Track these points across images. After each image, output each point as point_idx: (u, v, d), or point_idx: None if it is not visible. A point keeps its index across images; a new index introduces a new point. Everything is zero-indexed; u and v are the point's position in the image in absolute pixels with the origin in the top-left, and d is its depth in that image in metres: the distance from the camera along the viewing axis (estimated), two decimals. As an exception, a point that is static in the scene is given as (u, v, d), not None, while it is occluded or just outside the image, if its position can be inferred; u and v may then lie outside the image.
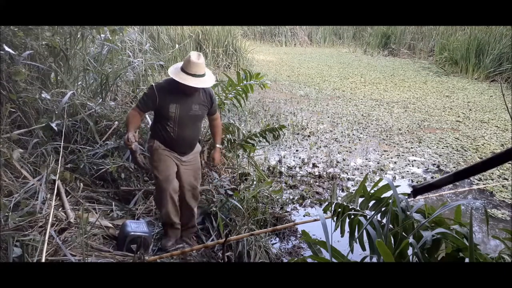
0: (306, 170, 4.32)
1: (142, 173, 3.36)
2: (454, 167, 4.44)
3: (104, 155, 3.27)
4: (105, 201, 3.06)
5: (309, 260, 1.52)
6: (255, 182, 3.56)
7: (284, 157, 4.64)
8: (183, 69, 2.47)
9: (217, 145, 2.92)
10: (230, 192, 3.20)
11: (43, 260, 1.92)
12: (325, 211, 1.81)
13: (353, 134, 5.48)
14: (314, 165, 4.47)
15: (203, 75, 2.50)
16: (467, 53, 9.12)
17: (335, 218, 1.74)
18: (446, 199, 3.69)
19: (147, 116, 3.55)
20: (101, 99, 3.86)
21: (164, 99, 2.53)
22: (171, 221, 2.69)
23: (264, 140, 3.71)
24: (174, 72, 2.49)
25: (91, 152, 3.27)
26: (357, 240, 1.54)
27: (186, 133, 2.63)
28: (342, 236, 1.68)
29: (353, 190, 3.02)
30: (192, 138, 2.69)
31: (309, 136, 5.37)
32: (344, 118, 6.16)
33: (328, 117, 6.22)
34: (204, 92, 2.67)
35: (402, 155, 4.79)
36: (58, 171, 2.75)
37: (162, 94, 2.54)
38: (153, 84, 2.61)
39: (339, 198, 1.81)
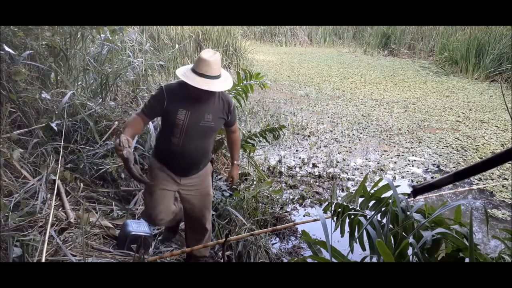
0: (306, 170, 4.32)
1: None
2: (454, 167, 4.44)
3: (104, 155, 3.27)
4: (105, 201, 3.06)
5: (309, 260, 1.52)
6: (255, 182, 3.56)
7: (284, 157, 4.64)
8: (193, 69, 2.08)
9: (235, 162, 2.55)
10: (230, 192, 3.20)
11: (43, 260, 1.92)
12: (325, 211, 1.81)
13: (353, 134, 5.48)
14: (314, 165, 4.47)
15: (216, 77, 2.08)
16: (467, 53, 9.11)
17: (335, 218, 1.74)
18: (446, 199, 3.69)
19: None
20: (101, 99, 3.86)
21: (173, 103, 2.14)
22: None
23: (264, 140, 3.71)
24: (182, 71, 2.12)
25: (91, 152, 3.26)
26: (357, 240, 1.54)
27: (193, 147, 2.21)
28: (342, 236, 1.68)
29: (353, 190, 3.02)
30: (199, 154, 2.26)
31: (309, 136, 5.37)
32: (344, 118, 6.16)
33: (328, 117, 6.22)
34: (221, 100, 2.25)
35: (402, 155, 4.79)
36: (58, 171, 2.75)
37: (171, 97, 2.15)
38: (163, 85, 2.22)
39: (339, 198, 1.81)
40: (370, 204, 1.68)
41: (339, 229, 1.68)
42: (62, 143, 2.93)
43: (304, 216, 3.43)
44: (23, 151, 2.90)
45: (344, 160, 4.64)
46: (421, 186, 1.38)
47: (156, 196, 2.28)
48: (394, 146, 5.07)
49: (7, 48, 3.05)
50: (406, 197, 1.53)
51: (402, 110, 6.62)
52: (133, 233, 2.52)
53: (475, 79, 8.86)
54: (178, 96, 2.15)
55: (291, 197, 3.72)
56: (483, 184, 4.03)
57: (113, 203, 3.05)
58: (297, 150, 4.88)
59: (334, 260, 1.42)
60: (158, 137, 2.37)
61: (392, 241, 1.47)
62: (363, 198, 1.71)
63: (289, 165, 4.42)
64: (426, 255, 1.39)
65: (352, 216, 1.63)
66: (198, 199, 2.37)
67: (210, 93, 2.12)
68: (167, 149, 2.23)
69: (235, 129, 2.50)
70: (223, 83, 2.13)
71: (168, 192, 2.30)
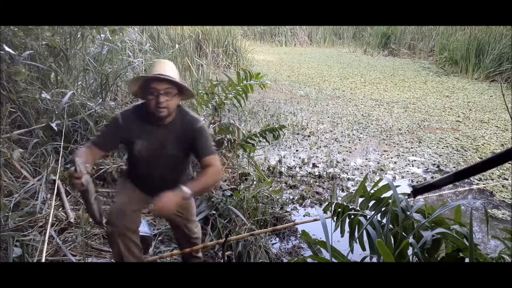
0: (306, 170, 4.32)
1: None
2: (454, 167, 4.44)
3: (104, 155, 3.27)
4: (105, 201, 3.06)
5: (309, 260, 1.52)
6: (255, 182, 3.56)
7: (284, 157, 4.64)
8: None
9: (184, 188, 1.77)
10: (230, 192, 3.20)
11: (43, 260, 1.92)
12: (325, 211, 1.81)
13: (353, 134, 5.48)
14: (314, 165, 4.47)
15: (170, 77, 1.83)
16: (467, 53, 9.11)
17: (335, 218, 1.74)
18: (446, 199, 3.69)
19: None
20: (101, 99, 3.86)
21: (129, 133, 1.88)
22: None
23: (264, 140, 3.71)
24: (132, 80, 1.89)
25: (91, 152, 3.26)
26: (357, 240, 1.54)
27: (162, 178, 1.96)
28: (342, 236, 1.68)
29: (353, 190, 3.02)
30: (171, 182, 1.90)
31: (309, 136, 5.37)
32: (344, 118, 6.16)
33: (328, 117, 6.22)
34: (186, 124, 1.90)
35: (402, 155, 4.79)
36: (58, 171, 2.75)
37: (127, 126, 1.88)
38: (118, 113, 1.94)
39: (339, 198, 1.81)
40: (370, 204, 1.68)
41: (339, 229, 1.68)
42: (62, 143, 2.93)
43: (304, 216, 3.43)
44: (23, 151, 2.91)
45: (344, 160, 4.64)
46: (421, 186, 1.38)
47: (126, 198, 2.01)
48: (394, 146, 5.07)
49: (7, 48, 3.05)
50: (406, 197, 1.53)
51: (402, 110, 6.62)
52: (133, 233, 2.52)
53: (475, 79, 8.86)
54: (133, 124, 1.89)
55: (291, 197, 3.72)
56: (483, 184, 4.03)
57: (113, 203, 3.05)
58: (297, 150, 4.88)
59: (334, 260, 1.42)
60: (126, 162, 2.15)
61: (392, 241, 1.48)
62: (363, 198, 1.71)
63: (289, 165, 4.42)
64: (426, 255, 1.39)
65: (352, 216, 1.63)
66: (185, 212, 2.15)
67: (163, 99, 1.78)
68: (135, 177, 2.04)
69: (211, 162, 1.89)
70: (181, 83, 1.87)
71: (139, 204, 2.07)
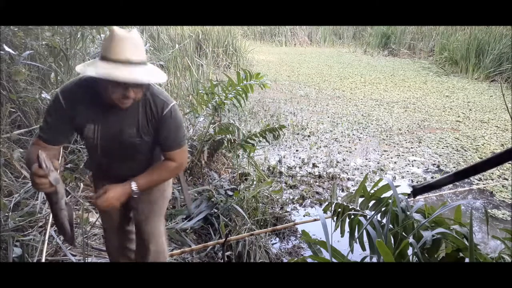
0: (306, 170, 4.32)
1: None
2: (454, 167, 4.44)
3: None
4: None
5: (309, 260, 1.52)
6: (255, 182, 3.56)
7: (284, 157, 4.64)
8: (102, 56, 1.36)
9: (132, 182, 1.55)
10: (230, 192, 3.20)
11: (43, 260, 1.92)
12: (325, 211, 1.82)
13: (353, 134, 5.48)
14: (314, 165, 4.47)
15: (140, 63, 1.37)
16: (467, 53, 9.11)
17: (335, 218, 1.74)
18: (446, 199, 3.69)
19: None
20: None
21: (76, 115, 1.47)
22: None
23: (264, 140, 3.71)
24: (86, 65, 1.39)
25: (91, 152, 3.26)
26: (357, 240, 1.54)
27: (122, 168, 1.64)
28: (342, 236, 1.69)
29: (353, 190, 3.02)
30: (135, 172, 1.60)
31: (309, 136, 5.37)
32: (344, 118, 6.16)
33: (328, 117, 6.22)
34: (150, 106, 1.51)
35: (402, 155, 4.79)
36: (58, 171, 2.75)
37: (72, 106, 1.46)
38: (58, 90, 1.49)
39: (339, 198, 1.81)
40: (370, 204, 1.68)
41: (339, 229, 1.68)
42: (62, 143, 2.93)
43: (304, 216, 3.43)
44: (23, 151, 2.90)
45: (344, 160, 4.64)
46: (421, 186, 1.38)
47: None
48: (394, 146, 5.07)
49: (7, 48, 3.05)
50: (406, 197, 1.53)
51: (402, 110, 6.62)
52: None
53: (475, 79, 8.85)
54: (80, 104, 1.47)
55: (291, 197, 3.72)
56: (483, 184, 4.03)
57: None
58: (297, 150, 4.88)
59: (334, 260, 1.42)
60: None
61: (392, 241, 1.48)
62: (363, 198, 1.71)
63: (289, 165, 4.42)
64: (426, 255, 1.39)
65: (352, 216, 1.64)
66: (143, 207, 1.78)
67: (132, 93, 1.38)
68: (96, 170, 1.76)
69: (173, 157, 1.59)
70: (155, 72, 1.43)
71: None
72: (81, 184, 3.04)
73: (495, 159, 1.02)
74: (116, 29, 1.36)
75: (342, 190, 3.90)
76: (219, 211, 2.97)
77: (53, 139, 1.52)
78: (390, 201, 1.51)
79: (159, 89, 1.55)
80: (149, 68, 1.41)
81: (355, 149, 4.99)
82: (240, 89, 3.57)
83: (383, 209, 1.57)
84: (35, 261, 2.12)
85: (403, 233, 1.48)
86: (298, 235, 3.13)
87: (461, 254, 1.35)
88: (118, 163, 1.63)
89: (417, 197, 1.57)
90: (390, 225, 1.48)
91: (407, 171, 4.36)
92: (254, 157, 4.13)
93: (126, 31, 1.38)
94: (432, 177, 4.20)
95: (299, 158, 4.65)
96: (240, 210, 2.89)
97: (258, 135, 3.64)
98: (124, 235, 1.91)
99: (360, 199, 1.73)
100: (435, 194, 3.62)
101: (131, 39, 1.36)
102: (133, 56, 1.35)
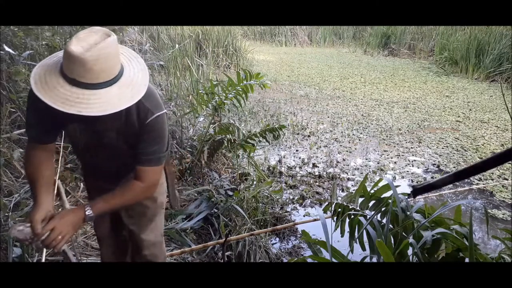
0: (306, 170, 4.32)
1: None
2: (454, 167, 4.44)
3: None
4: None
5: (309, 260, 1.52)
6: (255, 182, 3.56)
7: (284, 157, 4.64)
8: (61, 66, 1.19)
9: (86, 208, 1.38)
10: (230, 193, 3.20)
11: (43, 260, 1.92)
12: (325, 211, 1.82)
13: (353, 134, 5.48)
14: (314, 165, 4.47)
15: (105, 84, 1.19)
16: (467, 53, 9.11)
17: (335, 218, 1.74)
18: (446, 199, 3.69)
19: None
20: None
21: (52, 111, 1.17)
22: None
23: (264, 140, 3.71)
24: (39, 68, 1.23)
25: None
26: (357, 240, 1.54)
27: (110, 170, 1.56)
28: (342, 236, 1.68)
29: (353, 190, 3.02)
30: (125, 173, 1.54)
31: (309, 136, 5.37)
32: (344, 118, 6.16)
33: (328, 117, 6.22)
34: (133, 110, 1.34)
35: (402, 155, 4.79)
36: (58, 171, 2.75)
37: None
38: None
39: (339, 198, 1.81)
40: (370, 204, 1.68)
41: (339, 229, 1.68)
42: (62, 143, 2.93)
43: (304, 216, 3.43)
44: (23, 151, 2.90)
45: (344, 160, 4.64)
46: (421, 186, 1.38)
47: None
48: (394, 146, 5.07)
49: (7, 48, 3.05)
50: (406, 197, 1.53)
51: (402, 110, 6.62)
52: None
53: (475, 79, 8.85)
54: None
55: (291, 197, 3.72)
56: (483, 184, 4.03)
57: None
58: (297, 150, 4.88)
59: (334, 260, 1.42)
60: None
61: (392, 241, 1.48)
62: (363, 198, 1.71)
63: (289, 165, 4.42)
64: (426, 255, 1.39)
65: (352, 216, 1.63)
66: (134, 214, 1.68)
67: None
68: (83, 166, 1.69)
69: (142, 175, 1.43)
70: (123, 93, 1.22)
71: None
72: (81, 184, 3.04)
73: (495, 159, 1.02)
74: (75, 40, 1.17)
75: (342, 190, 3.90)
76: (219, 211, 2.97)
77: (42, 137, 1.41)
78: (390, 201, 1.51)
79: (150, 92, 1.36)
80: (120, 84, 1.23)
81: (355, 149, 4.99)
82: (240, 89, 3.57)
83: (383, 209, 1.57)
84: (35, 261, 2.12)
85: (403, 233, 1.48)
86: (298, 235, 3.14)
87: (461, 254, 1.35)
88: (104, 162, 1.53)
89: (417, 197, 1.57)
90: (390, 225, 1.48)
91: (407, 171, 4.36)
92: (254, 157, 4.13)
93: (87, 33, 1.20)
94: (432, 177, 4.20)
95: (299, 158, 4.65)
96: (240, 210, 2.90)
97: (258, 135, 3.64)
98: (118, 243, 1.86)
99: (360, 199, 1.73)
100: (435, 194, 3.62)
101: (92, 59, 1.14)
102: (93, 78, 1.16)
